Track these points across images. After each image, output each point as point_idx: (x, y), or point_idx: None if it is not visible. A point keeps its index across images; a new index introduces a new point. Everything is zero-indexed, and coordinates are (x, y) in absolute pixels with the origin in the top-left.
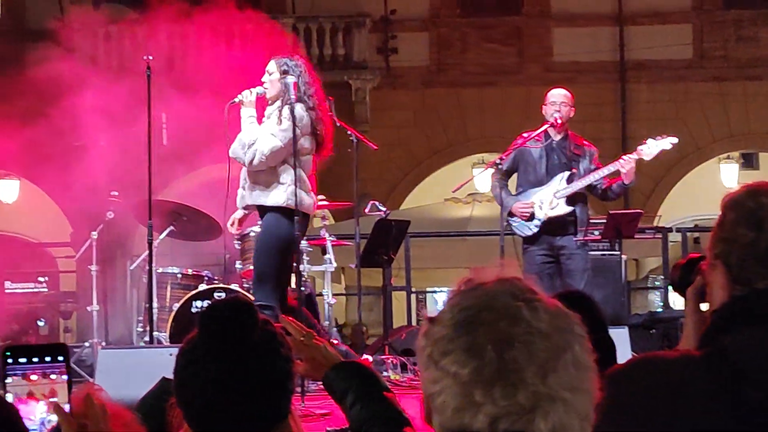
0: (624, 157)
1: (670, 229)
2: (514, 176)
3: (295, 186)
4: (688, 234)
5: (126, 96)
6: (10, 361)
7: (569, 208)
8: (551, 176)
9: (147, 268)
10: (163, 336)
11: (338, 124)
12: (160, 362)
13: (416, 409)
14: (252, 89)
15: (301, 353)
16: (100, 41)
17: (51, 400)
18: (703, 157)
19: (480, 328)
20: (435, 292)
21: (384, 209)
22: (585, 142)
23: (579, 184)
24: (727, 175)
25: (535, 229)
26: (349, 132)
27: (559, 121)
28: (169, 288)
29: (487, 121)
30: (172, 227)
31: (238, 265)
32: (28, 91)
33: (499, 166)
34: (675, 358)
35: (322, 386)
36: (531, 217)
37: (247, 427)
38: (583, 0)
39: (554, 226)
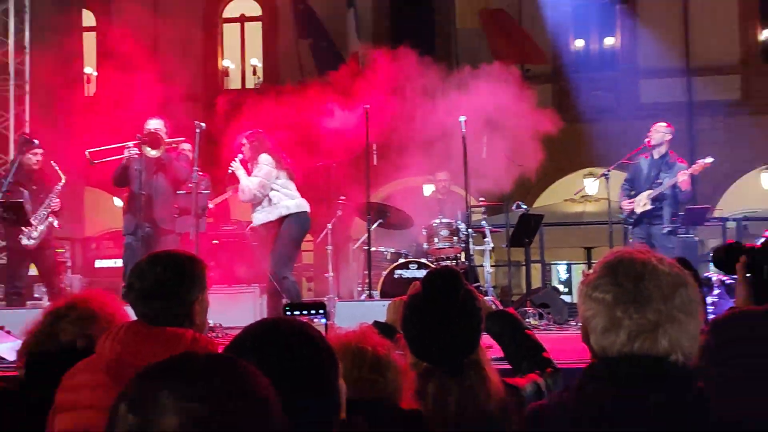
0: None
1: (727, 219)
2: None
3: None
4: (742, 222)
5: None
6: (288, 313)
7: (653, 206)
8: (648, 184)
9: (365, 248)
10: (375, 293)
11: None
12: (377, 310)
13: (549, 345)
14: (236, 158)
15: None
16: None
17: None
18: None
19: (620, 268)
20: (558, 264)
21: (525, 207)
22: (678, 160)
23: (657, 191)
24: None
25: (631, 221)
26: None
27: (648, 145)
28: (380, 261)
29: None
30: (381, 220)
31: (425, 245)
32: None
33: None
34: (756, 311)
35: None
36: (632, 212)
37: (453, 354)
38: None
39: (645, 219)
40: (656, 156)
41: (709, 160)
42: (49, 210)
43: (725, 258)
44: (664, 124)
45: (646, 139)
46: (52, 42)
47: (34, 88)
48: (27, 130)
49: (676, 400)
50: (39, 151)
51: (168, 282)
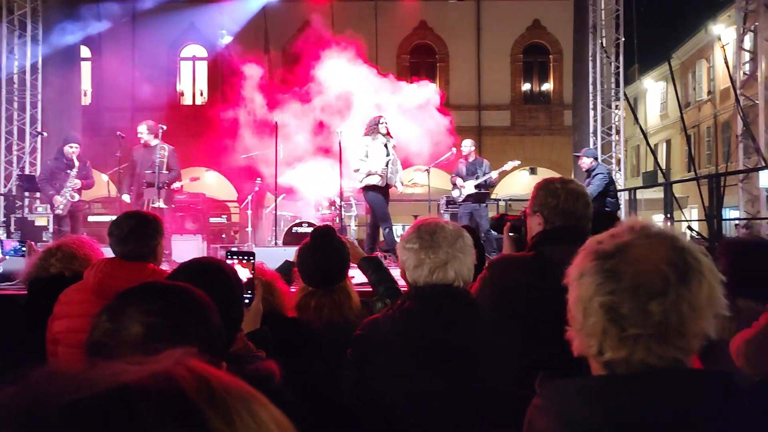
0: (494, 171)
1: (499, 200)
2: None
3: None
4: (508, 202)
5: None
6: (229, 256)
7: (477, 191)
8: (470, 177)
9: (275, 212)
10: (279, 242)
11: None
12: (285, 254)
13: (395, 274)
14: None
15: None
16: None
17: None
18: None
19: (421, 228)
20: (397, 225)
21: None
22: (484, 160)
23: (479, 181)
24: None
25: (457, 200)
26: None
27: (464, 155)
28: (283, 222)
29: None
30: (284, 194)
31: (314, 212)
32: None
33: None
34: (520, 256)
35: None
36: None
37: (328, 280)
38: None
39: (471, 199)
40: (470, 159)
41: (517, 162)
42: (70, 187)
43: (497, 224)
44: (469, 140)
45: (461, 152)
46: (60, 66)
47: (45, 96)
48: (39, 127)
49: (459, 307)
50: (75, 146)
51: (138, 231)
